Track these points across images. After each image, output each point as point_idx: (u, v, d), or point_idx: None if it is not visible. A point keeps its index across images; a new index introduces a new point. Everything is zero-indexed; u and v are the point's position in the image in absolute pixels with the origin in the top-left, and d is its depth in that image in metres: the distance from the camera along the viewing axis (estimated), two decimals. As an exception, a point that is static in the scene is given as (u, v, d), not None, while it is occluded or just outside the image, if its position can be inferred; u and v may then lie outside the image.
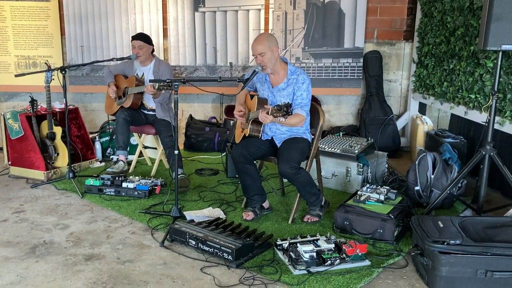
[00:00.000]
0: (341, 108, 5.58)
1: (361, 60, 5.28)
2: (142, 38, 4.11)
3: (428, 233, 2.49)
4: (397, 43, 5.38)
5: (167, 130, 4.09)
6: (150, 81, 3.75)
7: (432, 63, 4.64)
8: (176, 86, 3.12)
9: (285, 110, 2.79)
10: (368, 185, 3.41)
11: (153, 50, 4.20)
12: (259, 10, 5.24)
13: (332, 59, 5.31)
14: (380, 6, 5.26)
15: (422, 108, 5.38)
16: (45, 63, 4.26)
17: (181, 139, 5.37)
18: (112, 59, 4.01)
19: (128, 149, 4.23)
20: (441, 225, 2.56)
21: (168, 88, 3.36)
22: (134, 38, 4.11)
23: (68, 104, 4.02)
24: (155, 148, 4.66)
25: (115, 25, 5.25)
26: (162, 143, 4.14)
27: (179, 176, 3.83)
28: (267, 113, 2.94)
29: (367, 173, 3.90)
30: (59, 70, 3.82)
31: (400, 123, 5.34)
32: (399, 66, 5.44)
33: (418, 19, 5.08)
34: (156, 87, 3.68)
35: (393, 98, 5.51)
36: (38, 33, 5.25)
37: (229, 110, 5.36)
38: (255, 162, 3.34)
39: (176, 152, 3.28)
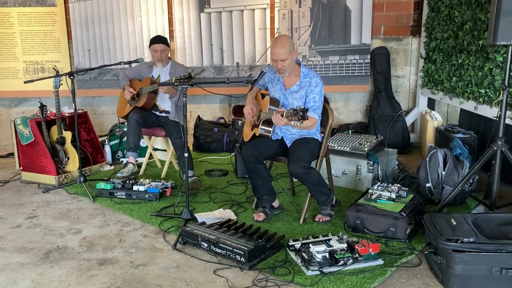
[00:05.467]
0: (349, 105, 5.56)
1: (368, 56, 5.26)
2: (164, 41, 4.13)
3: (441, 231, 2.47)
4: (404, 39, 5.35)
5: (178, 132, 4.09)
6: (159, 84, 3.77)
7: (440, 58, 4.61)
8: (184, 89, 3.12)
9: (301, 115, 2.78)
10: (379, 183, 3.40)
11: None
12: (265, 9, 5.23)
13: (339, 56, 5.29)
14: (386, 2, 5.23)
15: (431, 103, 5.34)
16: (53, 68, 4.29)
17: (190, 140, 5.38)
18: (119, 63, 4.02)
19: (138, 151, 4.25)
20: (454, 223, 2.54)
21: (184, 80, 3.42)
22: (156, 41, 4.10)
23: (77, 108, 4.04)
24: (165, 150, 4.67)
25: (121, 28, 5.27)
26: (173, 144, 4.14)
27: (191, 179, 3.83)
28: (282, 115, 2.93)
29: (378, 171, 3.88)
30: (67, 75, 3.84)
31: (409, 119, 5.31)
32: (406, 62, 5.40)
33: (425, 14, 5.05)
34: (173, 81, 3.70)
35: (402, 94, 5.47)
36: (46, 38, 5.28)
37: (237, 110, 5.36)
38: (265, 162, 3.34)
39: (186, 154, 3.28)
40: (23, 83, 5.21)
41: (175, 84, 3.19)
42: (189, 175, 3.84)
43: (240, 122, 5.09)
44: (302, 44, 5.29)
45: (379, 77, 5.27)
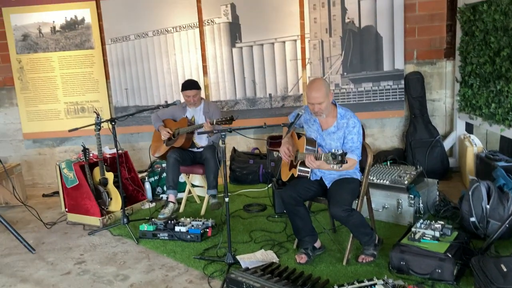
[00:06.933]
0: (385, 131, 5.51)
1: (402, 82, 5.22)
2: (195, 86, 4.28)
3: (491, 279, 2.42)
4: (438, 62, 5.29)
5: (209, 146, 4.28)
6: (199, 133, 3.90)
7: (477, 83, 4.52)
8: (223, 136, 3.18)
9: (340, 159, 2.79)
10: (421, 221, 3.34)
11: None
12: (295, 40, 5.28)
13: (372, 83, 5.28)
14: (418, 27, 5.19)
15: (469, 126, 5.23)
16: (94, 111, 4.45)
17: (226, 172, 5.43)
18: (158, 107, 4.15)
19: (177, 189, 4.35)
20: (505, 269, 2.48)
21: (225, 123, 3.69)
22: (187, 88, 4.26)
23: (118, 149, 4.16)
24: (203, 187, 4.75)
25: (156, 66, 5.42)
26: (203, 156, 4.27)
27: (213, 202, 4.24)
28: (315, 158, 2.95)
29: (419, 204, 3.83)
30: (109, 122, 3.96)
31: (447, 144, 5.21)
32: (441, 85, 5.33)
33: (458, 37, 4.98)
34: (214, 123, 3.83)
35: (438, 117, 5.40)
36: (85, 80, 5.48)
37: (272, 141, 5.38)
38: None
39: (226, 199, 3.32)
40: (64, 123, 5.51)
41: (215, 131, 3.26)
42: (212, 193, 4.31)
43: (275, 153, 5.13)
44: (334, 73, 5.30)
45: (414, 102, 5.22)
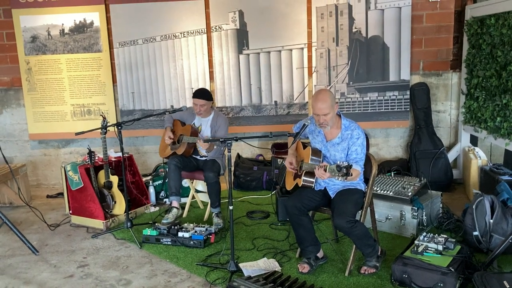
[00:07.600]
0: (390, 141, 5.52)
1: (408, 92, 5.23)
2: (205, 96, 4.17)
3: (494, 296, 2.43)
4: (444, 74, 5.30)
5: (212, 166, 4.19)
6: (205, 141, 3.87)
7: (483, 96, 4.53)
8: (229, 145, 3.20)
9: (345, 172, 2.80)
10: (424, 234, 3.35)
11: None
12: (302, 49, 5.30)
13: (378, 92, 5.29)
14: (425, 38, 5.20)
15: (474, 138, 5.23)
16: (101, 115, 4.47)
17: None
18: (164, 113, 4.17)
19: (180, 194, 4.35)
20: (507, 286, 2.49)
21: (220, 143, 3.55)
22: (197, 96, 4.16)
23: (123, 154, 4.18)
24: (206, 192, 4.76)
25: (163, 71, 5.44)
26: (205, 179, 4.19)
27: (216, 225, 4.11)
28: (325, 170, 2.96)
29: (422, 216, 3.84)
30: (115, 126, 3.99)
31: (451, 155, 5.21)
32: (447, 97, 5.34)
33: (465, 49, 4.99)
34: (208, 141, 3.83)
35: (443, 128, 5.40)
36: (92, 82, 5.51)
37: (277, 148, 5.40)
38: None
39: (231, 207, 3.33)
40: (70, 125, 5.55)
41: (221, 140, 3.28)
42: (215, 212, 4.22)
43: (280, 160, 5.15)
44: (340, 82, 5.32)
45: (419, 113, 5.22)
